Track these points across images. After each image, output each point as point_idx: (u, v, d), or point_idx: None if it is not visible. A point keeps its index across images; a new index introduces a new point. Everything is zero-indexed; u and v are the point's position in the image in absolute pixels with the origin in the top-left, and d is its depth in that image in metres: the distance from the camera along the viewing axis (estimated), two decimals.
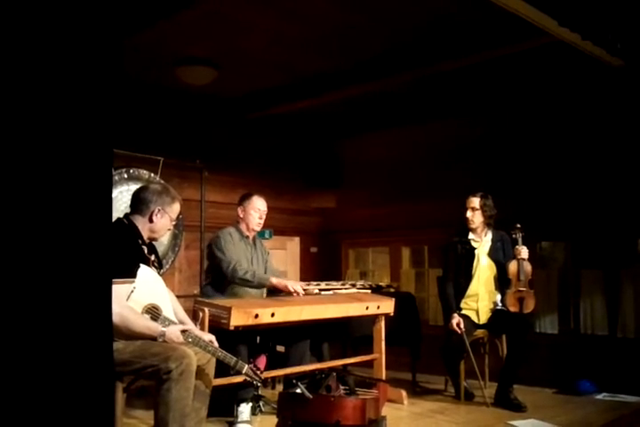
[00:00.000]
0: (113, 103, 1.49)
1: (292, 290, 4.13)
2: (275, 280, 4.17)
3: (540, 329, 6.21)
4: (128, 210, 3.24)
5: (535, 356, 4.83)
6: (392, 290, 5.52)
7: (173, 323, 3.01)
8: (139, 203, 3.16)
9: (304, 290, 4.71)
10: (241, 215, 4.45)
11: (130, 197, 3.27)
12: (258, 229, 4.47)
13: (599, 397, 4.76)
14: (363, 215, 7.53)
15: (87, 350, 1.43)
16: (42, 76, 1.36)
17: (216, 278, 4.28)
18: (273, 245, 6.72)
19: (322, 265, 7.76)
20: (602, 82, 5.59)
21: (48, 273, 1.36)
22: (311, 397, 2.65)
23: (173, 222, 3.30)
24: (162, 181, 5.16)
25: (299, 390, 2.68)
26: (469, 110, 6.56)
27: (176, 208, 3.24)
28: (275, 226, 7.03)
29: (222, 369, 3.29)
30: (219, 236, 4.32)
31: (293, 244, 7.61)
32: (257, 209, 4.41)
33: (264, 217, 4.47)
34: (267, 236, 6.68)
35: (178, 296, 3.42)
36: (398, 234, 7.31)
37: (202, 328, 3.39)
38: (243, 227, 4.44)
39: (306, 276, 7.09)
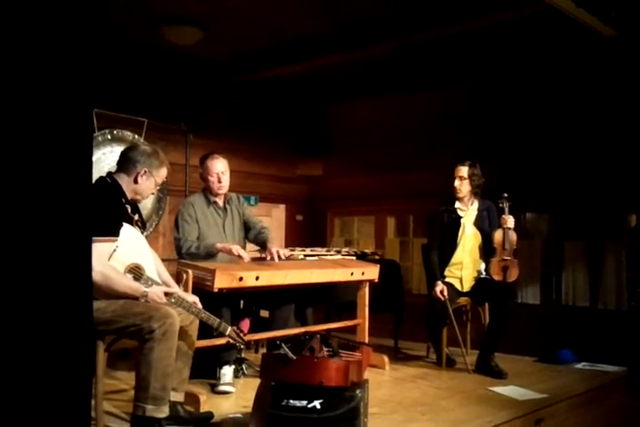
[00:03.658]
0: (94, 61, 1.44)
1: (237, 254, 3.83)
2: (219, 245, 3.92)
3: (522, 299, 6.26)
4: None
5: (517, 325, 4.87)
6: (377, 257, 5.53)
7: (156, 283, 2.97)
8: (126, 161, 3.08)
9: (289, 255, 4.68)
10: (203, 182, 4.22)
11: (113, 159, 3.21)
12: (222, 192, 4.17)
13: (579, 366, 4.80)
14: (349, 184, 7.50)
15: (66, 307, 1.41)
16: (21, 33, 1.31)
17: None
18: (258, 213, 6.67)
19: (307, 233, 7.75)
20: (593, 52, 5.56)
21: (26, 231, 1.33)
22: (294, 358, 2.63)
23: (157, 187, 3.24)
24: (147, 144, 5.09)
25: (282, 351, 2.66)
26: (459, 80, 6.51)
27: (163, 173, 3.17)
28: (261, 193, 7.01)
29: (205, 332, 3.27)
30: (180, 209, 4.12)
31: (279, 211, 7.59)
32: (213, 173, 4.09)
33: (224, 178, 4.12)
34: (252, 202, 6.64)
35: (162, 260, 3.37)
36: (384, 203, 7.31)
37: (185, 290, 3.36)
38: (209, 192, 4.19)
39: (291, 243, 7.07)
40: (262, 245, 4.15)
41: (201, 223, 4.10)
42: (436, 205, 4.89)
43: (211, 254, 3.97)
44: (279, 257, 3.89)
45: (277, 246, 4.03)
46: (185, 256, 3.93)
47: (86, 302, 1.51)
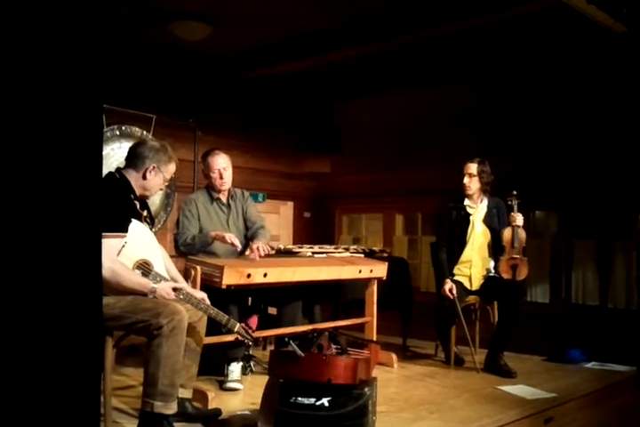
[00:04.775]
0: (103, 57, 1.43)
1: (230, 241, 3.78)
2: (213, 233, 3.88)
3: (531, 298, 6.22)
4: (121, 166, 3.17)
5: (526, 324, 4.83)
6: (385, 255, 5.50)
7: (164, 279, 2.96)
8: (134, 157, 3.07)
9: (296, 252, 4.67)
10: (206, 178, 4.18)
11: (121, 155, 3.19)
12: (224, 188, 4.12)
13: (588, 365, 4.78)
14: (357, 181, 7.48)
15: (76, 303, 1.40)
16: (31, 30, 1.31)
17: None
18: (266, 209, 6.68)
19: (315, 230, 7.74)
20: (604, 49, 5.51)
21: (36, 227, 1.33)
22: (303, 355, 2.62)
23: (166, 183, 3.23)
24: (155, 139, 5.09)
25: (290, 349, 2.66)
26: (468, 76, 6.47)
27: (171, 168, 3.15)
28: (268, 190, 7.00)
29: (213, 329, 3.27)
30: (182, 206, 4.10)
31: (287, 208, 7.58)
32: (214, 170, 4.04)
33: (226, 174, 4.06)
34: (260, 199, 6.63)
35: (170, 256, 3.36)
36: (392, 201, 7.28)
37: (194, 286, 3.36)
38: (212, 189, 4.15)
39: (298, 241, 7.06)
40: None
41: (204, 220, 4.08)
42: (447, 201, 4.86)
43: (206, 244, 3.94)
44: (259, 255, 3.79)
45: (262, 243, 3.92)
46: (181, 248, 3.92)
47: (96, 297, 1.50)
